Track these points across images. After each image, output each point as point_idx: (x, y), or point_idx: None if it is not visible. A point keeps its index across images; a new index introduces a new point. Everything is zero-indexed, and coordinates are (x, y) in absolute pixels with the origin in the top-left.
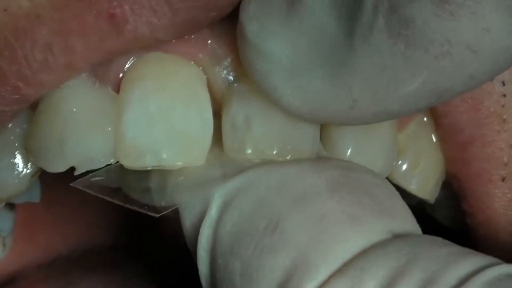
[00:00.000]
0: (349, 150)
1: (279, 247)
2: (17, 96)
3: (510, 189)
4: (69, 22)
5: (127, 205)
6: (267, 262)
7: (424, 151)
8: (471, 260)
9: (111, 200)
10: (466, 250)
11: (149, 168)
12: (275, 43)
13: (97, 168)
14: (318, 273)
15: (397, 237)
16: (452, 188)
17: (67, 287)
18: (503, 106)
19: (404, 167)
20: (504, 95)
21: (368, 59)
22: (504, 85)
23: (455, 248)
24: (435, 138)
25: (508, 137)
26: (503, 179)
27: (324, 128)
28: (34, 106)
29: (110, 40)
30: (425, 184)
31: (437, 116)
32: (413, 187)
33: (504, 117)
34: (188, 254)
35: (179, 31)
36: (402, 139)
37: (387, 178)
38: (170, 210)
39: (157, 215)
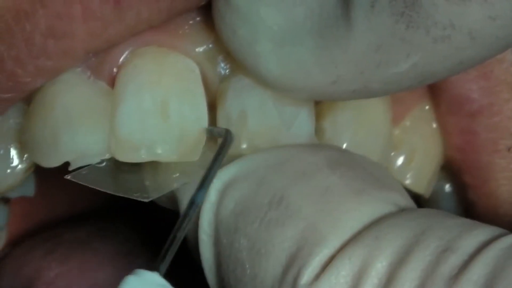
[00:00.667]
0: (344, 145)
1: (286, 219)
2: (13, 83)
3: None
4: (72, 6)
5: (120, 194)
6: (275, 235)
7: (421, 144)
8: (484, 230)
9: (103, 190)
10: (475, 221)
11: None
12: (269, 10)
13: (92, 163)
14: (329, 242)
15: (403, 210)
16: (453, 168)
17: (58, 252)
18: None
19: (399, 161)
20: None
21: (364, 37)
22: None
23: (465, 220)
24: (436, 123)
25: None
26: (508, 149)
27: (319, 122)
28: (29, 100)
29: (111, 27)
30: (420, 178)
31: (444, 88)
32: (408, 182)
33: None
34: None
35: (170, 14)
36: (398, 132)
37: None
38: (161, 195)
39: (147, 200)
